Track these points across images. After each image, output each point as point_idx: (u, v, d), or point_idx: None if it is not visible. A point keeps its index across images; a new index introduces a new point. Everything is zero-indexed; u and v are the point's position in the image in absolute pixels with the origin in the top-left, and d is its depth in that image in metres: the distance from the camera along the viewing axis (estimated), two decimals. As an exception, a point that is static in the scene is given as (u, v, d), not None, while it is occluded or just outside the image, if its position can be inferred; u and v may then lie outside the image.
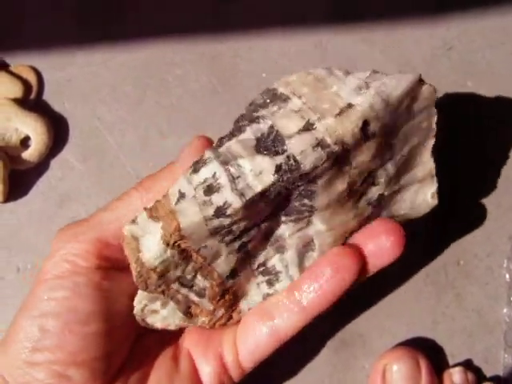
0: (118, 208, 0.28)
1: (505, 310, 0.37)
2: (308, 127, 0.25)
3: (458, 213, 0.37)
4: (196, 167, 0.25)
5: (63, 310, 0.26)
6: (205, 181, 0.25)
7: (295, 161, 0.25)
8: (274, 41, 0.39)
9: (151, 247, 0.26)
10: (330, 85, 0.27)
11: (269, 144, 0.25)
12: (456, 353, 0.37)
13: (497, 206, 0.37)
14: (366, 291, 0.34)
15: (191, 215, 0.25)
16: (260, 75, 0.39)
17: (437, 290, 0.37)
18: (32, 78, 0.39)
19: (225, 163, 0.25)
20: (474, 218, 0.37)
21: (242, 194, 0.25)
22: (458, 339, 0.37)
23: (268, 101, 0.27)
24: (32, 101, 0.39)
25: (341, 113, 0.25)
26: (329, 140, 0.25)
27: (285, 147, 0.25)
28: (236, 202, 0.25)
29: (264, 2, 0.40)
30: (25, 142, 0.38)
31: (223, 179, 0.25)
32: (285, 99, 0.26)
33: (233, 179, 0.25)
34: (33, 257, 0.38)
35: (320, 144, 0.25)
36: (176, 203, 0.25)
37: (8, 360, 0.26)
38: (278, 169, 0.25)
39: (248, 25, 0.39)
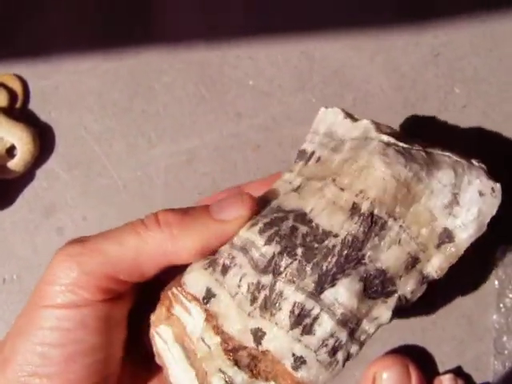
0: (132, 243, 0.26)
1: (494, 317, 0.37)
2: (414, 264, 0.25)
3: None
4: (306, 327, 0.24)
5: (67, 342, 0.25)
6: (324, 342, 0.24)
7: (406, 300, 0.25)
8: (261, 49, 0.39)
9: None
10: (418, 195, 0.25)
11: (378, 287, 0.24)
12: (446, 360, 0.37)
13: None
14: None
15: (322, 381, 0.25)
16: (247, 83, 0.39)
17: (426, 298, 0.37)
18: (17, 87, 0.39)
19: (343, 324, 0.24)
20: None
21: (361, 342, 0.25)
22: (447, 346, 0.37)
23: (366, 230, 0.24)
24: (18, 110, 0.39)
25: (440, 245, 0.25)
26: (435, 275, 0.25)
27: (395, 288, 0.25)
28: (357, 351, 0.25)
29: (250, 9, 0.39)
30: (10, 152, 0.38)
31: (343, 336, 0.24)
32: (382, 225, 0.24)
33: (352, 333, 0.24)
34: (18, 268, 0.37)
35: (426, 279, 0.25)
36: (296, 370, 0.24)
37: (5, 381, 0.26)
38: (393, 312, 0.25)
39: (235, 33, 0.39)
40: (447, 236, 0.25)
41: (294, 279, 0.24)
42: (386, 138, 0.26)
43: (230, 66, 0.39)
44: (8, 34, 0.40)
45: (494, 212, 0.26)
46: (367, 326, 0.25)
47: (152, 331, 0.27)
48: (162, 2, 0.40)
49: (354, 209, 0.24)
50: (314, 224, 0.25)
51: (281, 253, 0.24)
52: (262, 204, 0.27)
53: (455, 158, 0.26)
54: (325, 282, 0.24)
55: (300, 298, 0.24)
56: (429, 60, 0.39)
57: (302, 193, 0.26)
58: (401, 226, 0.25)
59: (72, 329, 0.25)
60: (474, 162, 0.27)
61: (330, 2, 0.39)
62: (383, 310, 0.25)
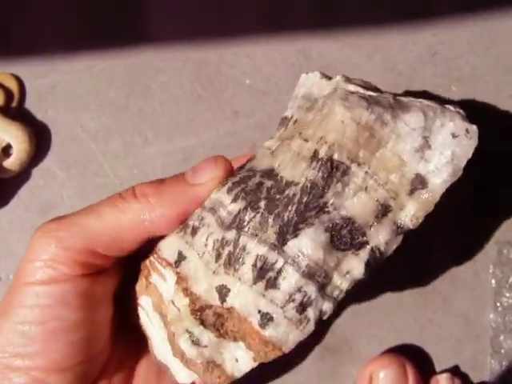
0: (110, 216, 0.26)
1: (491, 316, 0.37)
2: (385, 212, 0.24)
3: (443, 219, 0.37)
4: (269, 280, 0.23)
5: (48, 319, 0.25)
6: (291, 297, 0.23)
7: (380, 253, 0.24)
8: (258, 47, 0.39)
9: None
10: (383, 139, 0.24)
11: (346, 238, 0.23)
12: (443, 359, 0.37)
13: (482, 212, 0.37)
14: (352, 298, 0.34)
15: (292, 340, 0.24)
16: (244, 82, 0.39)
17: (423, 296, 0.37)
18: (14, 86, 0.39)
19: (309, 276, 0.23)
20: (460, 223, 0.37)
21: (334, 299, 0.24)
22: (444, 345, 0.37)
23: (326, 175, 0.23)
24: (14, 109, 0.39)
25: (413, 191, 0.24)
26: (410, 224, 0.24)
27: (365, 238, 0.23)
28: (331, 308, 0.24)
29: (248, 7, 0.39)
30: (6, 151, 0.38)
31: (312, 291, 0.23)
32: (344, 171, 0.23)
33: (322, 288, 0.23)
34: (15, 267, 0.37)
35: (401, 230, 0.24)
36: (263, 327, 0.23)
37: None
38: (367, 265, 0.23)
39: (232, 31, 0.39)
40: (420, 182, 0.24)
41: (257, 232, 0.23)
42: (352, 87, 0.25)
43: (227, 64, 0.39)
44: (4, 33, 0.40)
45: (469, 155, 0.24)
46: (339, 280, 0.23)
47: (135, 304, 0.27)
48: (158, 0, 0.39)
49: (315, 156, 0.23)
50: (278, 177, 0.24)
51: (245, 208, 0.24)
52: (239, 171, 0.26)
53: (427, 102, 0.25)
54: (287, 232, 0.23)
55: (262, 250, 0.23)
56: (426, 59, 0.39)
57: (275, 153, 0.25)
58: (366, 172, 0.23)
59: (53, 305, 0.25)
60: (451, 107, 0.25)
61: (328, 1, 0.39)
62: (355, 263, 0.23)
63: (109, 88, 0.39)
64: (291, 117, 0.27)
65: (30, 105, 0.39)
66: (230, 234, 0.24)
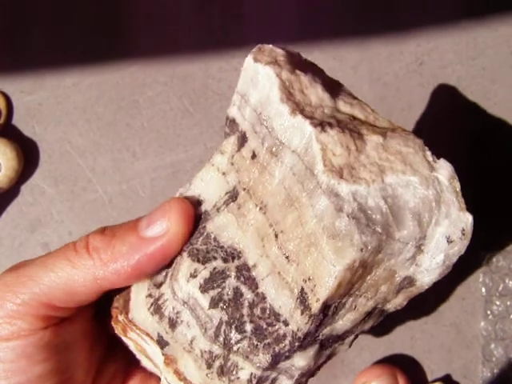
0: (63, 271, 0.24)
1: (482, 324, 0.37)
2: (372, 313, 0.24)
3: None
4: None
5: (12, 374, 0.24)
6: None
7: (363, 331, 0.25)
8: (243, 59, 0.39)
9: None
10: (376, 263, 0.22)
11: (334, 344, 0.24)
12: (435, 368, 0.37)
13: (473, 222, 0.37)
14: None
15: None
16: (231, 95, 0.39)
17: (414, 307, 0.37)
18: (1, 103, 0.39)
19: (301, 378, 0.24)
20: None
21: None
22: (436, 355, 0.37)
23: (318, 324, 0.23)
24: (1, 125, 0.38)
25: (400, 290, 0.24)
26: (393, 309, 0.25)
27: (351, 334, 0.25)
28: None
29: (232, 21, 0.39)
30: (-6, 168, 0.38)
31: None
32: (336, 307, 0.23)
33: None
34: (4, 284, 0.37)
35: (384, 313, 0.25)
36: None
37: None
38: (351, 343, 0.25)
39: (217, 45, 0.39)
40: (408, 282, 0.23)
41: (248, 355, 0.23)
42: (334, 182, 0.21)
43: (214, 78, 0.39)
44: (-9, 49, 0.40)
45: (462, 252, 0.23)
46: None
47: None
48: (146, 15, 0.39)
49: (303, 299, 0.22)
50: (260, 291, 0.23)
51: (229, 324, 0.23)
52: (195, 204, 0.24)
53: (423, 191, 0.22)
54: (279, 360, 0.23)
55: (256, 370, 0.23)
56: (413, 69, 0.39)
57: (240, 218, 0.23)
58: (356, 295, 0.23)
59: (15, 360, 0.24)
60: (441, 165, 0.23)
61: (311, 13, 0.39)
62: (340, 347, 0.25)
63: (96, 104, 0.39)
64: (244, 134, 0.23)
65: (17, 121, 0.39)
66: (219, 350, 0.23)
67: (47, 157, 0.39)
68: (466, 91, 0.39)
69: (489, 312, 0.37)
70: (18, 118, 0.39)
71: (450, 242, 0.22)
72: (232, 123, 0.24)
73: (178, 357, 0.24)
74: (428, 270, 0.23)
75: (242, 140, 0.23)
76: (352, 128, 0.23)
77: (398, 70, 0.39)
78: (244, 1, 0.40)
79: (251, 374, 0.23)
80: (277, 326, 0.23)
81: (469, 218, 0.23)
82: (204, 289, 0.23)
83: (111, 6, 0.39)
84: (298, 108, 0.22)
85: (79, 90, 0.39)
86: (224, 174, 0.24)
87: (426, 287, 0.24)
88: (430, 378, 0.37)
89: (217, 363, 0.23)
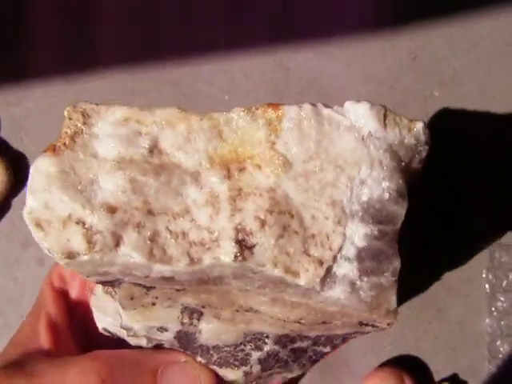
0: None
1: (487, 321, 0.37)
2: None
3: (435, 226, 0.37)
4: None
5: None
6: None
7: None
8: (234, 61, 0.38)
9: None
10: None
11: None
12: (441, 368, 0.36)
13: (474, 218, 0.37)
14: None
15: None
16: (223, 98, 0.38)
17: (417, 308, 0.36)
18: (-13, 116, 0.38)
19: None
20: (449, 229, 0.37)
21: None
22: (442, 355, 0.36)
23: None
24: (-12, 139, 0.38)
25: None
26: None
27: None
28: None
29: (221, 23, 0.39)
30: (-17, 183, 0.37)
31: None
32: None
33: None
34: (0, 300, 0.37)
35: None
36: None
37: None
38: None
39: (207, 47, 0.38)
40: None
41: None
42: None
43: (205, 82, 0.38)
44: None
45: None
46: None
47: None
48: (132, 22, 0.39)
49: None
50: None
51: None
52: None
53: None
54: None
55: None
56: (406, 64, 0.38)
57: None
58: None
59: None
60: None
61: (302, 11, 0.39)
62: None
63: (85, 112, 0.38)
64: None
65: (5, 133, 0.38)
66: None
67: (37, 169, 0.38)
68: (462, 84, 0.38)
69: (493, 309, 0.37)
70: (5, 131, 0.38)
71: None
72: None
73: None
74: None
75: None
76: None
77: (391, 66, 0.38)
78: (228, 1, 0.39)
79: None
80: None
81: None
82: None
83: (95, 13, 0.39)
84: None
85: (66, 100, 0.38)
86: None
87: None
88: (436, 378, 0.36)
89: None
